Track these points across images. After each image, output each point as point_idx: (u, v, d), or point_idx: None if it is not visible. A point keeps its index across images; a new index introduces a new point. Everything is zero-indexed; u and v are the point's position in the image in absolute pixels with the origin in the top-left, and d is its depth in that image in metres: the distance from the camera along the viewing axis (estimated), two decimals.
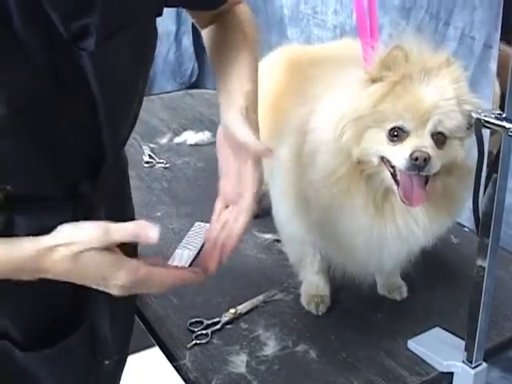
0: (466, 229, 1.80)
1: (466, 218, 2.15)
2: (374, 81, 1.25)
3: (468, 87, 1.28)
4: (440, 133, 1.23)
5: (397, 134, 1.23)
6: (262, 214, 1.70)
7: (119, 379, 1.37)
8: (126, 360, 1.35)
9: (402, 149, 1.22)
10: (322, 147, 1.30)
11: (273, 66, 1.63)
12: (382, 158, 1.25)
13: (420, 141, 1.21)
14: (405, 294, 1.56)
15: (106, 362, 1.23)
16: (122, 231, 0.96)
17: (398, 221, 1.30)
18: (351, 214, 1.30)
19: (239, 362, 1.36)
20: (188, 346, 1.40)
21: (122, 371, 1.36)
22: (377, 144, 1.25)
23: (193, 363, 1.36)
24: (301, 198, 1.38)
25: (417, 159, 1.18)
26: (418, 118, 1.21)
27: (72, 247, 0.93)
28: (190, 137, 2.38)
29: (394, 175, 1.25)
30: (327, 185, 1.29)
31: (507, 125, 1.11)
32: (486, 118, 1.14)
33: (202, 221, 1.85)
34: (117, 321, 1.23)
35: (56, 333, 1.12)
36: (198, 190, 1.99)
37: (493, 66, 1.98)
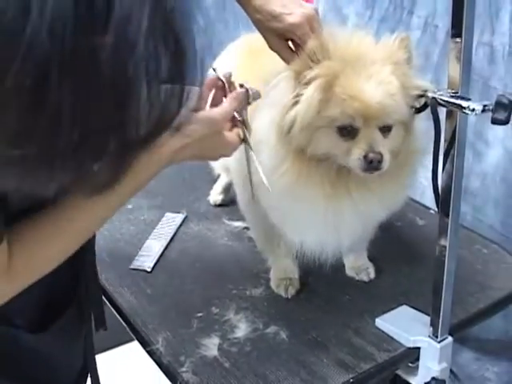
0: (432, 211, 1.84)
1: (431, 200, 2.21)
2: (297, 78, 1.27)
3: (414, 68, 1.32)
4: (387, 125, 1.27)
5: (347, 131, 1.26)
6: (232, 202, 1.73)
7: None
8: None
9: (354, 149, 1.25)
10: (263, 146, 1.32)
11: (235, 52, 1.66)
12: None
13: (370, 138, 1.25)
14: (372, 275, 1.60)
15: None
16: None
17: (354, 194, 1.34)
18: (306, 198, 1.34)
19: (211, 345, 1.39)
20: (160, 331, 1.43)
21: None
22: (328, 142, 1.28)
23: (166, 348, 1.38)
24: (256, 184, 1.40)
25: (371, 161, 1.23)
26: (366, 117, 1.24)
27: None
28: None
29: None
30: (276, 176, 1.31)
31: (462, 103, 1.14)
32: (442, 97, 1.18)
33: (172, 212, 1.88)
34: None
35: (53, 312, 1.18)
36: (167, 182, 2.01)
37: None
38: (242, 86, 1.20)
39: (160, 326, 1.45)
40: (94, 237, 1.24)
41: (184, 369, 1.32)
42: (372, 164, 1.23)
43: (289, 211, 1.37)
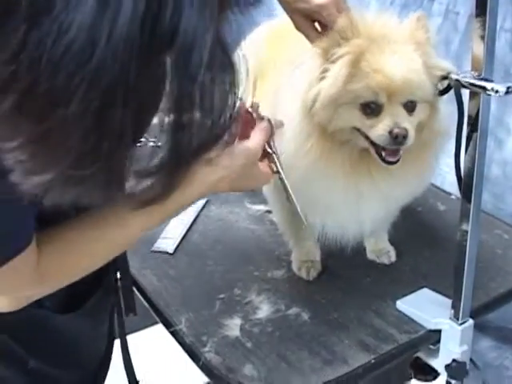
0: (453, 196, 1.85)
1: (452, 185, 2.21)
2: (325, 55, 1.28)
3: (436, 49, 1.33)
4: (411, 101, 1.28)
5: (371, 107, 1.27)
6: None
7: None
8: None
9: (379, 124, 1.26)
10: (289, 122, 1.33)
11: (260, 40, 1.66)
12: (355, 128, 1.30)
13: (396, 115, 1.26)
14: (393, 258, 1.61)
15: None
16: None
17: (375, 176, 1.35)
18: (327, 177, 1.35)
19: (233, 326, 1.40)
20: (183, 313, 1.44)
21: None
22: (351, 119, 1.29)
23: (188, 328, 1.40)
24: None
25: (396, 137, 1.23)
26: (390, 93, 1.25)
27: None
28: None
29: (367, 137, 1.29)
30: (300, 155, 1.33)
31: (486, 84, 1.15)
32: (466, 79, 1.18)
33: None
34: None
35: (82, 295, 1.21)
36: None
37: None
38: (263, 118, 1.22)
39: (182, 307, 1.46)
40: None
41: (206, 349, 1.34)
42: (397, 139, 1.24)
43: (310, 192, 1.37)
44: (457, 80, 1.19)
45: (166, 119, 0.69)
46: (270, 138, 1.21)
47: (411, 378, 1.50)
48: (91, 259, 1.06)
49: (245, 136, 1.16)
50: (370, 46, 1.26)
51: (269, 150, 1.22)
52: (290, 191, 1.26)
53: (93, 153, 0.65)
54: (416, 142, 1.30)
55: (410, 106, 1.28)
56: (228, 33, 0.70)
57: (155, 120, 0.69)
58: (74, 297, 1.20)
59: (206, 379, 1.34)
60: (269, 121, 1.21)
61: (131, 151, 0.69)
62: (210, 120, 0.72)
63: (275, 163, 1.23)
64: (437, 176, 1.93)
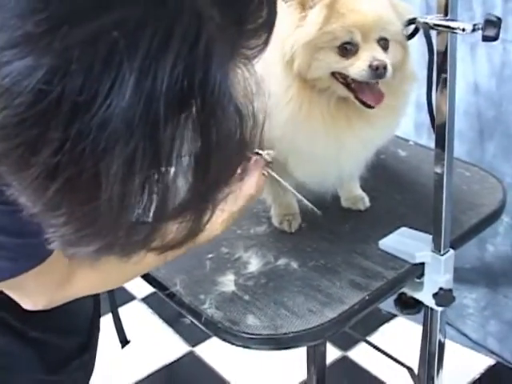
0: (411, 142, 1.93)
1: (410, 132, 2.31)
2: (304, 7, 1.34)
3: None
4: (383, 38, 1.35)
5: (347, 48, 1.33)
6: None
7: None
8: None
9: (357, 62, 1.32)
10: (270, 72, 1.38)
11: None
12: (333, 73, 1.36)
13: (373, 51, 1.32)
14: (368, 204, 1.68)
15: None
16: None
17: (354, 124, 1.41)
18: (307, 127, 1.41)
19: (228, 282, 1.45)
20: (176, 275, 1.48)
21: None
22: (329, 62, 1.35)
23: (184, 289, 1.44)
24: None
25: (377, 68, 1.30)
26: (364, 31, 1.32)
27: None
28: None
29: (347, 85, 1.36)
30: (281, 106, 1.38)
31: (452, 24, 1.22)
32: (433, 21, 1.25)
33: None
34: None
35: None
36: None
37: None
38: (256, 153, 1.28)
39: (174, 270, 1.49)
40: None
41: (206, 306, 1.38)
42: (378, 71, 1.30)
43: (292, 142, 1.43)
44: (425, 22, 1.26)
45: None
46: (263, 168, 1.29)
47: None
48: (110, 282, 1.22)
49: None
50: None
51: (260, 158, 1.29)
52: (282, 181, 1.37)
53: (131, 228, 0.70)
54: (389, 87, 1.37)
55: (383, 44, 1.35)
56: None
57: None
58: None
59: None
60: (260, 155, 1.28)
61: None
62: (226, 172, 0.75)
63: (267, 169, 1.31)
64: None
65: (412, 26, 1.34)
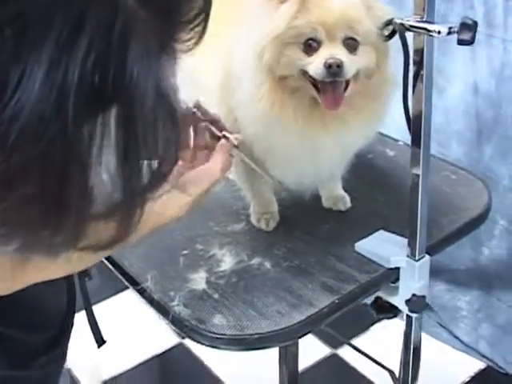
0: (401, 142, 1.90)
1: (400, 132, 2.27)
2: (282, 2, 1.31)
3: None
4: (351, 38, 1.31)
5: (311, 45, 1.30)
6: None
7: None
8: None
9: (316, 59, 1.29)
10: (245, 69, 1.37)
11: None
12: (303, 72, 1.33)
13: (332, 49, 1.29)
14: (348, 204, 1.65)
15: None
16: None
17: (329, 126, 1.38)
18: (281, 127, 1.38)
19: (199, 279, 1.43)
20: (148, 271, 1.47)
21: None
22: (295, 58, 1.32)
23: (155, 285, 1.42)
24: (234, 118, 1.45)
25: (330, 66, 1.27)
26: (328, 28, 1.29)
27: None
28: None
29: (315, 85, 1.33)
30: (254, 103, 1.36)
31: (428, 26, 1.19)
32: (409, 23, 1.22)
33: None
34: None
35: None
36: None
37: None
38: (223, 136, 1.24)
39: (147, 265, 1.49)
40: None
41: (175, 303, 1.37)
42: (331, 69, 1.26)
43: (267, 143, 1.41)
44: (401, 24, 1.24)
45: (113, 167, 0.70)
46: (229, 149, 1.24)
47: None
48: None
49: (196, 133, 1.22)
50: None
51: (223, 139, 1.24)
52: (252, 165, 1.32)
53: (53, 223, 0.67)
54: (366, 89, 1.35)
55: (350, 45, 1.31)
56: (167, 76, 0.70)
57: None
58: None
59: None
60: (227, 138, 1.24)
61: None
62: (158, 162, 0.73)
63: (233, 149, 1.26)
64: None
65: (390, 27, 1.30)
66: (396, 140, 1.91)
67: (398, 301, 1.45)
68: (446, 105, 2.31)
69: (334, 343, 2.66)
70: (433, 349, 2.58)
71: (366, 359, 2.26)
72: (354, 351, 2.38)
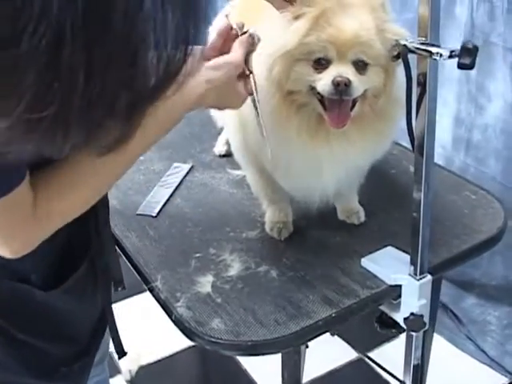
0: None
1: (447, 146, 2.29)
2: (296, 18, 1.34)
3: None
4: (361, 60, 1.33)
5: (321, 63, 1.33)
6: None
7: None
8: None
9: (325, 76, 1.32)
10: (259, 84, 1.39)
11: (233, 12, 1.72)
12: (311, 88, 1.36)
13: (341, 68, 1.31)
14: (362, 219, 1.67)
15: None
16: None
17: (333, 144, 1.40)
18: (286, 142, 1.41)
19: (205, 283, 1.48)
20: (160, 270, 1.52)
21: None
22: (305, 75, 1.35)
23: (164, 285, 1.48)
24: (244, 131, 1.50)
25: (338, 84, 1.29)
26: (339, 48, 1.31)
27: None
28: None
29: (322, 102, 1.36)
30: (266, 113, 1.36)
31: (431, 49, 1.20)
32: (413, 44, 1.24)
33: (180, 162, 1.98)
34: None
35: (66, 269, 1.28)
36: (176, 136, 2.09)
37: None
38: (246, 32, 1.27)
39: (160, 265, 1.54)
40: (106, 196, 1.32)
41: (179, 304, 1.42)
42: (339, 87, 1.29)
43: (274, 156, 1.44)
44: (404, 45, 1.25)
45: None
46: (249, 54, 1.27)
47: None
48: (79, 199, 1.12)
49: (226, 52, 1.24)
50: (331, 7, 1.32)
51: (246, 69, 1.26)
52: (261, 114, 1.31)
53: (46, 94, 0.64)
54: (373, 109, 1.37)
55: (360, 66, 1.33)
56: None
57: None
58: (61, 271, 1.26)
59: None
60: (250, 35, 1.27)
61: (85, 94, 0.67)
62: (165, 58, 0.71)
63: (251, 83, 1.28)
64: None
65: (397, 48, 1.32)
66: None
67: (400, 318, 1.46)
68: (485, 122, 2.29)
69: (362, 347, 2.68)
70: (458, 361, 2.59)
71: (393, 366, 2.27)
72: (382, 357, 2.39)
